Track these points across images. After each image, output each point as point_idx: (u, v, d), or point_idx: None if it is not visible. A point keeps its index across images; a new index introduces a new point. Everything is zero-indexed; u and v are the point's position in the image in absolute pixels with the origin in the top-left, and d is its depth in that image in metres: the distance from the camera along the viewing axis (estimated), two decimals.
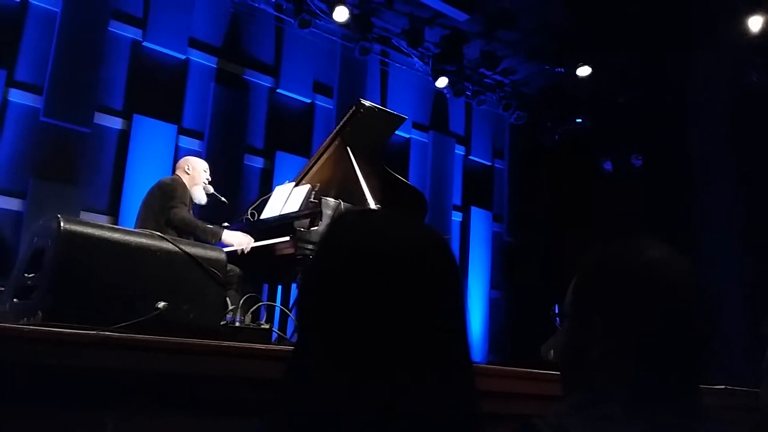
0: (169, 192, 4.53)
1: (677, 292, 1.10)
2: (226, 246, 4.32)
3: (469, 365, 0.96)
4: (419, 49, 8.33)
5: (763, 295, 6.67)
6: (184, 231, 4.31)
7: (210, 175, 4.89)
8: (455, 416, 0.90)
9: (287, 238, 4.06)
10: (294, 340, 3.64)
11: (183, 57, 7.11)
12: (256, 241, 4.40)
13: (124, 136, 6.66)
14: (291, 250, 4.03)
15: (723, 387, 3.16)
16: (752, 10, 7.09)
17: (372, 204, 4.33)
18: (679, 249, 1.16)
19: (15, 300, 2.49)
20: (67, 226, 2.32)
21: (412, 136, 8.86)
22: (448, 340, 0.93)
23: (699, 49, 7.57)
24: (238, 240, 4.42)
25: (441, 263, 0.96)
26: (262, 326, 2.92)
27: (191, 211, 4.72)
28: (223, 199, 4.85)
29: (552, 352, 4.50)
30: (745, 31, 7.14)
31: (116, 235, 2.45)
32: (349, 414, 0.86)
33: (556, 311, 6.79)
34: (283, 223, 4.31)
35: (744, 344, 5.32)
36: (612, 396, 1.06)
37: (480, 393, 0.96)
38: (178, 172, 4.88)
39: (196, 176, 4.81)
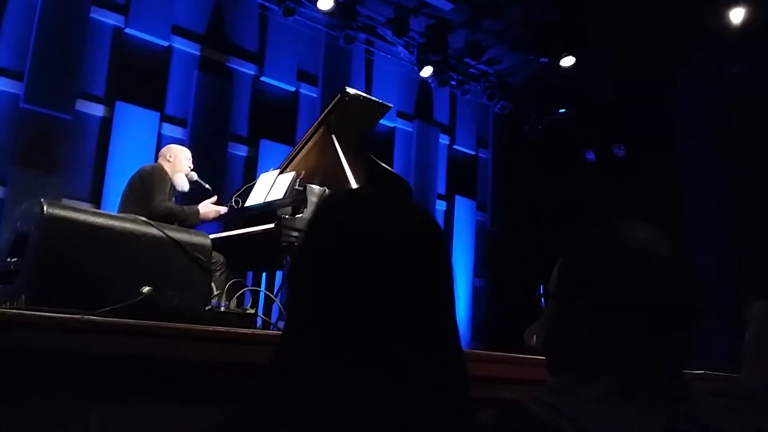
0: (150, 181, 4.53)
1: (663, 273, 1.11)
2: (207, 221, 4.54)
3: (458, 342, 0.96)
4: (404, 38, 8.31)
5: (745, 279, 6.77)
6: (166, 221, 4.29)
7: (193, 163, 4.90)
8: (446, 393, 0.91)
9: (272, 225, 4.06)
10: (280, 325, 3.64)
11: (166, 44, 7.05)
12: (241, 228, 4.39)
13: (107, 124, 6.60)
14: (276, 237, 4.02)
15: (702, 372, 3.19)
16: (734, 2, 7.14)
17: None
18: (664, 233, 1.17)
19: None
20: (51, 211, 2.30)
21: (397, 125, 8.86)
22: (439, 316, 0.93)
23: (682, 40, 7.62)
24: (214, 209, 4.65)
25: (431, 239, 0.96)
26: (248, 311, 2.91)
27: (174, 199, 4.72)
28: (207, 186, 4.85)
29: (535, 337, 4.53)
30: (727, 22, 7.19)
31: (100, 220, 2.43)
32: (341, 395, 0.86)
33: (542, 292, 6.82)
34: (267, 211, 4.30)
35: (725, 328, 5.38)
36: (598, 376, 1.07)
37: (468, 370, 0.96)
38: (159, 160, 4.88)
39: (178, 164, 4.81)
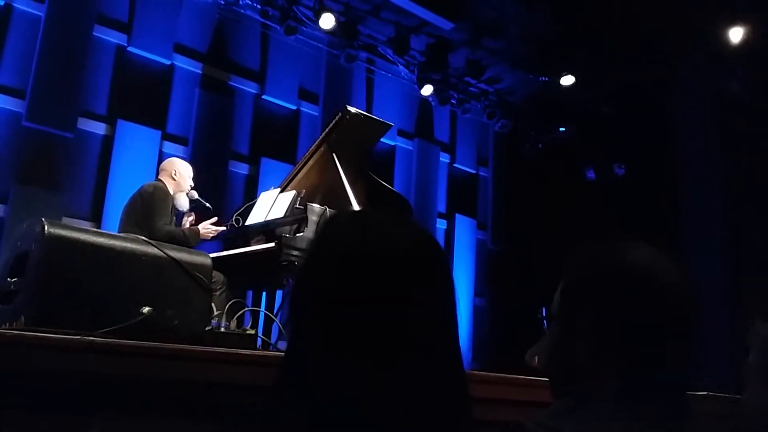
0: (151, 202, 4.45)
1: (664, 293, 1.11)
2: (207, 241, 4.53)
3: (461, 363, 0.96)
4: (405, 57, 8.36)
5: (747, 300, 6.75)
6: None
7: (194, 180, 4.86)
8: (448, 414, 0.91)
9: (272, 244, 4.05)
10: (281, 345, 3.62)
11: (168, 62, 7.08)
12: (241, 247, 4.39)
13: (108, 142, 6.61)
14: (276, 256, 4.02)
15: (705, 393, 3.18)
16: (733, 21, 7.19)
17: (357, 209, 4.33)
18: (665, 253, 1.16)
19: None
20: (52, 230, 2.30)
21: (397, 143, 8.88)
22: (441, 338, 0.93)
23: (681, 59, 7.66)
24: (214, 230, 4.64)
25: (432, 261, 0.96)
26: (248, 332, 2.90)
27: (174, 218, 4.66)
28: (207, 205, 4.82)
29: (537, 358, 4.51)
30: (726, 41, 7.24)
31: (101, 239, 2.43)
32: (344, 415, 0.86)
33: (544, 314, 6.80)
34: (268, 230, 4.30)
35: (727, 351, 5.36)
36: (602, 397, 1.07)
37: (470, 391, 0.96)
38: (162, 177, 4.77)
39: (182, 183, 4.75)
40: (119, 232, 4.21)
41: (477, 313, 9.10)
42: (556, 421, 1.06)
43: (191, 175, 4.85)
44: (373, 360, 0.87)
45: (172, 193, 4.66)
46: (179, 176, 4.75)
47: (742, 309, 6.77)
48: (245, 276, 4.55)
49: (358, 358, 0.87)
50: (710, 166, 7.99)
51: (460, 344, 0.98)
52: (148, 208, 4.42)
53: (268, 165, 7.55)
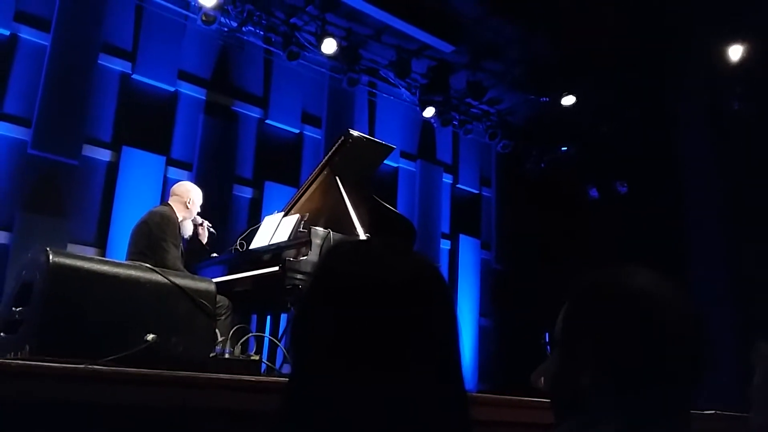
0: (162, 231, 4.30)
1: (667, 318, 1.11)
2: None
3: (464, 393, 0.97)
4: (406, 79, 8.42)
5: (752, 319, 6.70)
6: None
7: (200, 205, 4.78)
8: None
9: (276, 268, 4.05)
10: (285, 370, 3.61)
11: (172, 89, 7.15)
12: (245, 271, 4.38)
13: (113, 168, 6.65)
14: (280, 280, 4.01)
15: (713, 412, 3.16)
16: (733, 40, 7.23)
17: (361, 233, 4.33)
18: (667, 274, 1.17)
19: (2, 334, 2.46)
20: (56, 259, 2.31)
21: (400, 165, 8.91)
22: (442, 365, 0.94)
23: (682, 78, 7.69)
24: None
25: (435, 292, 0.97)
26: (252, 358, 2.90)
27: (181, 245, 4.53)
28: (211, 229, 4.81)
29: (542, 379, 4.49)
30: (726, 59, 7.27)
31: (105, 268, 2.44)
32: None
33: (547, 339, 6.78)
34: (272, 253, 4.30)
35: (733, 369, 5.32)
36: (604, 422, 1.07)
37: (473, 420, 0.96)
38: (173, 202, 4.60)
39: (194, 210, 4.63)
40: (127, 260, 4.15)
41: (482, 333, 9.06)
42: None
43: (201, 202, 4.72)
44: (375, 386, 0.88)
45: (180, 219, 4.50)
46: (192, 205, 4.61)
47: (746, 328, 6.72)
48: (249, 300, 4.54)
49: (360, 384, 0.88)
50: (712, 183, 7.98)
51: (462, 369, 0.98)
52: (158, 236, 4.27)
53: (271, 189, 7.58)
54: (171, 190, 4.76)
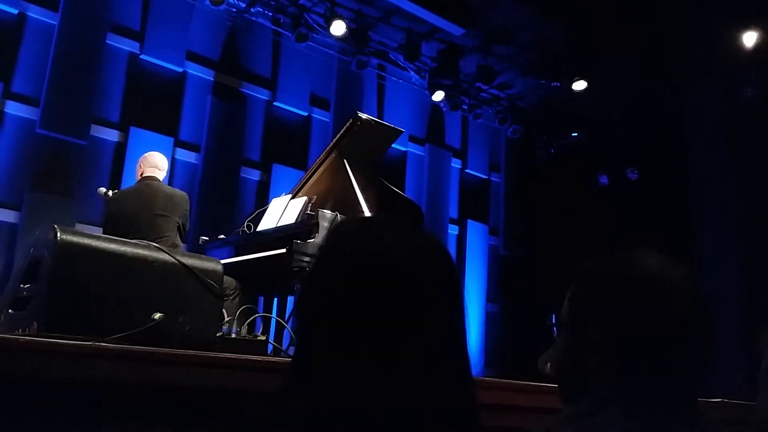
0: (187, 210, 4.37)
1: (675, 301, 1.10)
2: None
3: (469, 374, 0.96)
4: (416, 63, 8.38)
5: (760, 307, 6.68)
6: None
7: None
8: (456, 421, 0.90)
9: (284, 250, 4.05)
10: (292, 350, 3.62)
11: (180, 70, 7.13)
12: (253, 253, 4.38)
13: (121, 149, 6.66)
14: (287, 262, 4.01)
15: (719, 400, 3.15)
16: (747, 26, 7.15)
17: (368, 216, 4.32)
18: (675, 258, 1.15)
19: (10, 311, 2.47)
20: (64, 237, 2.32)
21: (409, 149, 8.88)
22: (448, 345, 0.93)
23: (694, 63, 7.62)
24: None
25: (441, 269, 0.96)
26: (259, 338, 2.90)
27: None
28: None
29: (549, 364, 4.49)
30: (739, 45, 7.20)
31: (113, 246, 2.44)
32: (351, 422, 0.86)
33: (554, 320, 6.77)
34: (279, 236, 4.30)
35: (741, 357, 5.31)
36: (610, 404, 1.06)
37: (478, 401, 0.96)
38: (162, 176, 4.54)
39: None
40: (156, 235, 4.01)
41: (489, 319, 9.07)
42: (565, 427, 1.06)
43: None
44: (379, 366, 0.87)
45: None
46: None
47: (755, 314, 6.71)
48: (257, 282, 4.55)
49: (365, 364, 0.87)
50: (723, 171, 7.93)
51: (469, 351, 0.97)
52: (186, 214, 4.34)
53: (279, 171, 7.58)
54: (159, 164, 4.57)
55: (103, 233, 3.58)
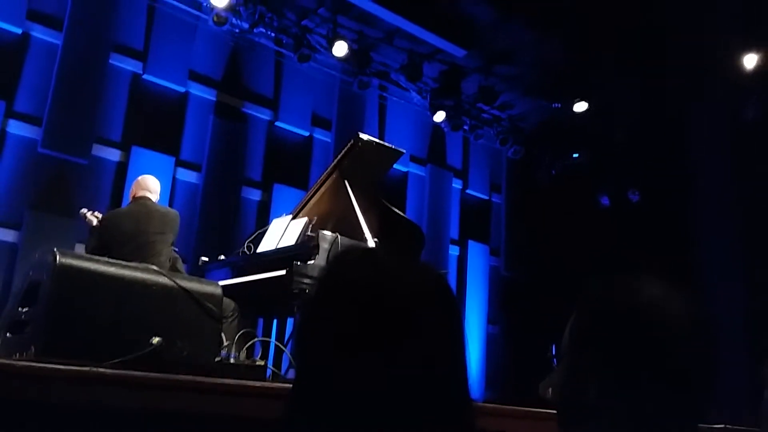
0: (176, 229, 4.38)
1: (676, 332, 1.10)
2: None
3: (470, 404, 0.95)
4: (417, 83, 8.41)
5: (763, 334, 6.64)
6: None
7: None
8: None
9: (283, 272, 4.04)
10: (291, 375, 3.60)
11: (182, 90, 7.16)
12: (252, 274, 4.37)
13: (122, 168, 6.67)
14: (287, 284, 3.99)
15: (722, 426, 3.12)
16: (747, 48, 7.18)
17: (369, 237, 4.31)
18: (677, 286, 1.15)
19: (8, 335, 2.46)
20: (63, 260, 2.31)
21: (410, 169, 8.89)
22: (448, 375, 0.93)
23: (697, 85, 7.64)
24: None
25: (441, 302, 0.96)
26: (257, 363, 2.88)
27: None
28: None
29: (550, 390, 4.45)
30: (741, 67, 7.23)
31: (112, 269, 2.43)
32: None
33: (554, 351, 6.75)
34: (279, 257, 4.28)
35: (744, 382, 5.27)
36: None
37: (479, 428, 0.95)
38: (156, 197, 4.56)
39: None
40: (153, 253, 4.07)
41: (490, 340, 9.02)
42: None
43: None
44: (379, 393, 0.87)
45: None
46: None
47: (758, 340, 6.67)
48: (256, 303, 4.53)
49: (365, 392, 0.87)
50: (725, 193, 7.92)
51: (469, 379, 0.97)
52: (175, 233, 4.36)
53: (280, 191, 7.58)
54: (152, 187, 4.57)
55: (93, 253, 3.56)
